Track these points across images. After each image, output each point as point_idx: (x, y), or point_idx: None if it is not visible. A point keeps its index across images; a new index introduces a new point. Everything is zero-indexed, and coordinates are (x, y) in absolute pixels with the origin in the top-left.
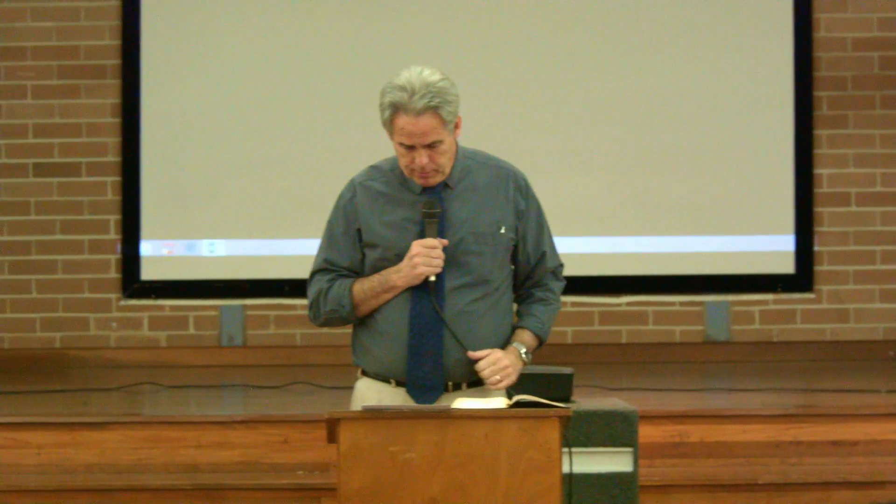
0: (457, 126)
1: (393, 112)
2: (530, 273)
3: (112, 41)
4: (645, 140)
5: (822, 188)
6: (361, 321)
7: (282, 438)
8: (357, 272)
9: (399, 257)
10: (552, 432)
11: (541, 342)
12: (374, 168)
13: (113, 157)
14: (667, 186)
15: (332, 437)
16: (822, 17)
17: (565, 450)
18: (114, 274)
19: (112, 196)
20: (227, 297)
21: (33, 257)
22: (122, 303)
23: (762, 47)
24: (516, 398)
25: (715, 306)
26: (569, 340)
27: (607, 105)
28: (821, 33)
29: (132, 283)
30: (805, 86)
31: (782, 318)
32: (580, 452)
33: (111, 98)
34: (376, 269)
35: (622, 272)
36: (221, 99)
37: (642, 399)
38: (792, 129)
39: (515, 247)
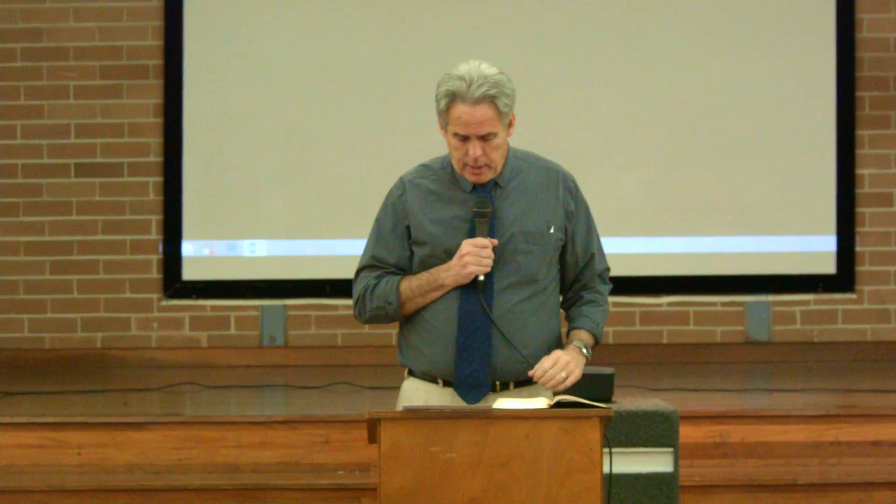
0: (510, 125)
1: (450, 101)
2: (578, 275)
3: (154, 41)
4: (686, 140)
5: (863, 188)
6: (408, 320)
7: (322, 439)
8: (404, 270)
9: (448, 255)
10: (593, 432)
11: (596, 342)
12: (424, 166)
13: (155, 158)
14: (708, 186)
15: (372, 438)
16: (865, 18)
17: (606, 450)
18: (155, 274)
19: (154, 196)
20: (269, 298)
21: (75, 257)
22: (164, 303)
23: (805, 47)
24: (557, 398)
25: (756, 306)
26: (610, 341)
27: (647, 104)
28: (863, 34)
29: (173, 283)
30: (847, 86)
31: (823, 318)
32: (621, 453)
33: (153, 98)
34: (425, 267)
35: (663, 272)
36: (263, 99)
37: (683, 399)
38: (834, 129)
39: (564, 248)
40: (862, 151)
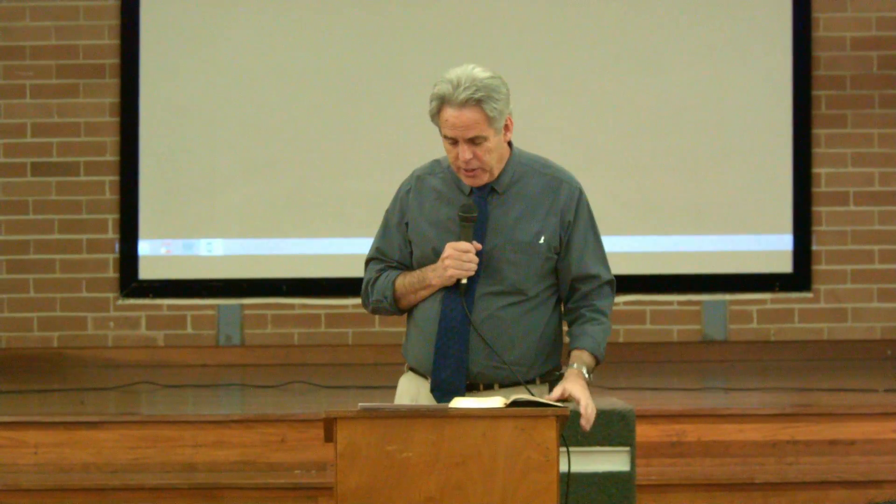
0: (507, 128)
1: (439, 104)
2: (575, 285)
3: (111, 40)
4: (644, 140)
5: (820, 187)
6: (409, 315)
7: (279, 438)
8: (406, 265)
9: (438, 255)
10: (549, 431)
11: (597, 362)
12: (435, 161)
13: (111, 157)
14: (664, 186)
15: (329, 437)
16: (821, 17)
17: (563, 449)
18: (111, 273)
19: (110, 195)
20: (225, 297)
21: (31, 256)
22: (120, 302)
23: (761, 47)
24: (513, 397)
25: (712, 305)
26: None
27: (605, 104)
28: (820, 32)
29: (130, 282)
30: (804, 85)
31: (780, 317)
32: (578, 452)
33: (110, 97)
34: (421, 265)
35: (620, 271)
36: (220, 98)
37: (640, 398)
38: (790, 128)
39: (558, 256)
40: (818, 150)
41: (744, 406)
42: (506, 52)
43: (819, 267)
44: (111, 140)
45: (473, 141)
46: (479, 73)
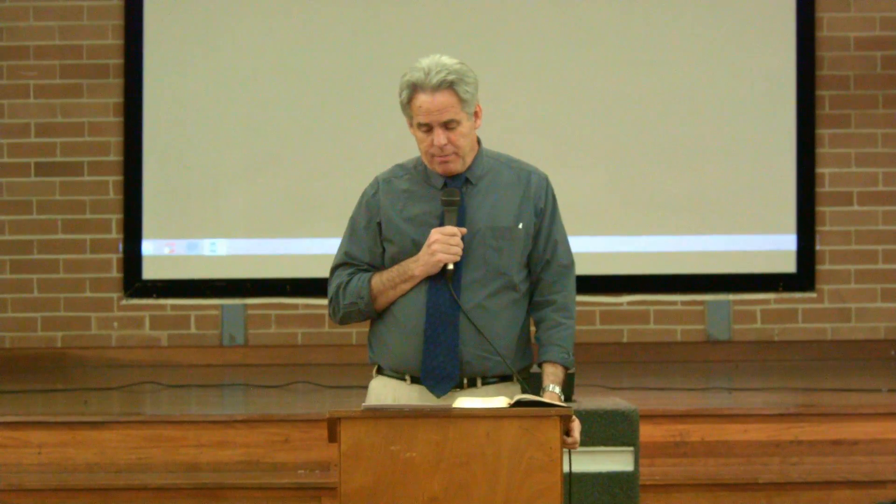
0: (477, 115)
1: (411, 92)
2: (543, 271)
3: (115, 40)
4: (647, 139)
5: (823, 187)
6: (378, 315)
7: (283, 438)
8: (377, 267)
9: (418, 247)
10: (553, 431)
11: (566, 370)
12: (398, 166)
13: (115, 157)
14: (669, 185)
15: (332, 437)
16: (825, 17)
17: (566, 449)
18: (115, 273)
19: (114, 195)
20: (229, 297)
21: (35, 256)
22: (124, 302)
23: (765, 46)
24: (517, 397)
25: (716, 305)
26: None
27: (609, 103)
28: (823, 32)
29: (134, 282)
30: (808, 85)
31: (784, 317)
32: (581, 452)
33: (113, 97)
34: (397, 262)
35: (624, 271)
36: (223, 98)
37: (643, 398)
38: (794, 129)
39: (533, 244)
40: (822, 150)
41: (747, 406)
42: (511, 50)
43: (823, 267)
44: (115, 140)
45: (447, 125)
46: (448, 59)
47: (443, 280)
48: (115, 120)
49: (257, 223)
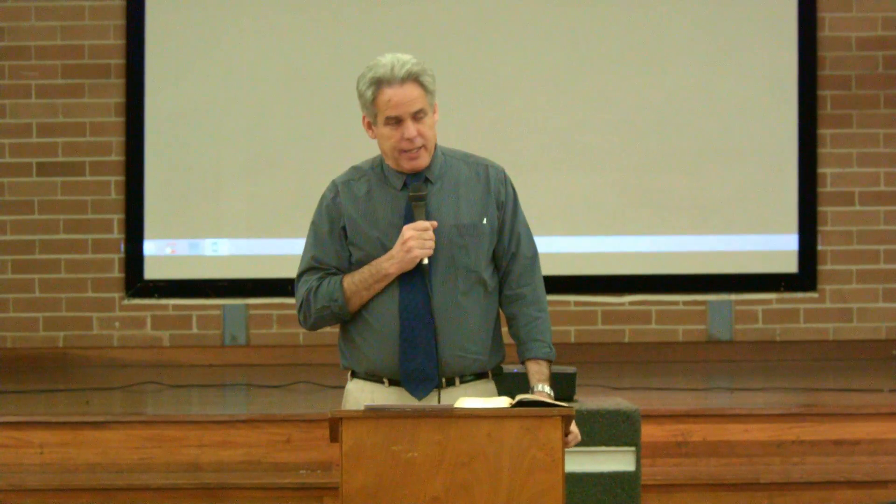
0: (434, 110)
1: (377, 88)
2: (510, 265)
3: (116, 41)
4: (648, 139)
5: (825, 187)
6: (350, 319)
7: (284, 438)
8: (343, 271)
9: (385, 250)
10: (555, 431)
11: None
12: (354, 168)
13: (116, 157)
14: (670, 185)
15: (334, 437)
16: (827, 17)
17: (568, 449)
18: (117, 273)
19: (115, 195)
20: (230, 297)
21: (36, 256)
22: (125, 302)
23: (766, 46)
24: (519, 397)
25: (718, 305)
26: (572, 340)
27: (610, 104)
28: (825, 32)
29: (135, 282)
30: (809, 85)
31: (785, 317)
32: (583, 452)
33: (115, 97)
34: (363, 265)
35: (625, 271)
36: (225, 98)
37: (645, 398)
38: (796, 129)
39: (498, 239)
40: (824, 150)
41: (749, 406)
42: (514, 51)
43: (824, 267)
44: (116, 140)
45: (416, 116)
46: (405, 55)
47: (414, 280)
48: (116, 120)
49: (259, 223)
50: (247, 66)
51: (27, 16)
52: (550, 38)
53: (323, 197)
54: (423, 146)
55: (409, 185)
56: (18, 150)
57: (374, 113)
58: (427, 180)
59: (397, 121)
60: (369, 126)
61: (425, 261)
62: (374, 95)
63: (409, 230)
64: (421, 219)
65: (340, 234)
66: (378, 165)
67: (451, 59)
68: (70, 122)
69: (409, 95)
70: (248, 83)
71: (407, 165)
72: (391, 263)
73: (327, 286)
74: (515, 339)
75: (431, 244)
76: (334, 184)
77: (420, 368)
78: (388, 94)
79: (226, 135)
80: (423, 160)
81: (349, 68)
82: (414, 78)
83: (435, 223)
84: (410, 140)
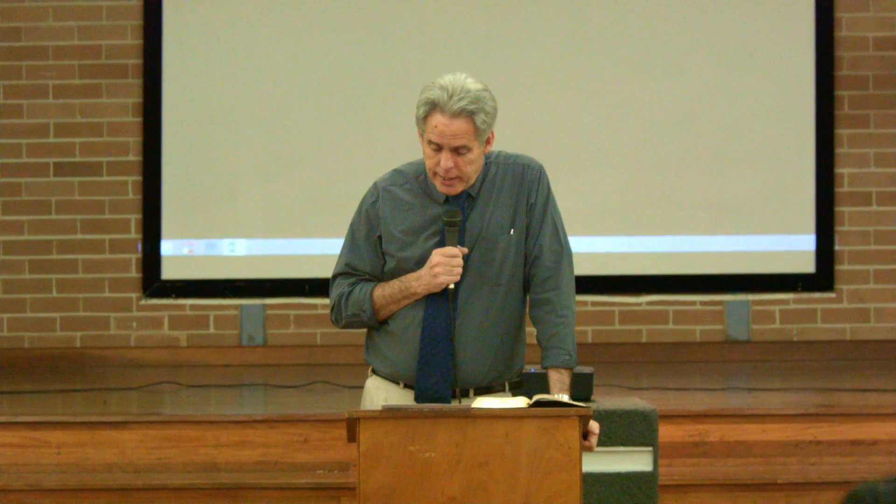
0: (488, 142)
1: (429, 109)
2: (534, 269)
3: (134, 40)
4: (666, 140)
5: (843, 187)
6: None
7: (301, 438)
8: (378, 277)
9: (418, 265)
10: (572, 431)
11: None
12: (398, 172)
13: (134, 157)
14: (687, 185)
15: (351, 437)
16: (844, 17)
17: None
18: (134, 273)
19: (133, 195)
20: (248, 297)
21: (54, 257)
22: (143, 302)
23: (784, 47)
24: (536, 397)
25: (735, 306)
26: (589, 340)
27: (627, 104)
28: (842, 32)
29: (153, 282)
30: (826, 85)
31: (803, 317)
32: (600, 452)
33: (132, 97)
34: (396, 276)
35: (642, 272)
36: (242, 98)
37: (662, 398)
38: (813, 129)
39: (526, 238)
40: (841, 150)
41: (766, 406)
42: (532, 54)
43: (842, 267)
44: (134, 140)
45: (457, 150)
46: (472, 84)
47: (439, 302)
48: (134, 120)
49: (276, 223)
50: (264, 67)
51: (45, 16)
52: (569, 41)
53: (363, 199)
54: (458, 177)
55: (450, 201)
56: (36, 150)
57: (422, 130)
58: (469, 196)
59: (438, 147)
60: (420, 133)
61: (451, 286)
62: (424, 115)
63: (437, 255)
64: (452, 244)
65: (376, 243)
66: (422, 173)
67: (471, 61)
68: (87, 122)
69: (456, 130)
70: (265, 83)
71: (440, 188)
72: (419, 284)
73: (358, 294)
74: (539, 343)
75: (459, 271)
76: (375, 187)
77: (434, 387)
78: (437, 120)
79: (243, 135)
80: (456, 189)
81: (368, 69)
82: (467, 115)
83: (465, 249)
84: (445, 171)
